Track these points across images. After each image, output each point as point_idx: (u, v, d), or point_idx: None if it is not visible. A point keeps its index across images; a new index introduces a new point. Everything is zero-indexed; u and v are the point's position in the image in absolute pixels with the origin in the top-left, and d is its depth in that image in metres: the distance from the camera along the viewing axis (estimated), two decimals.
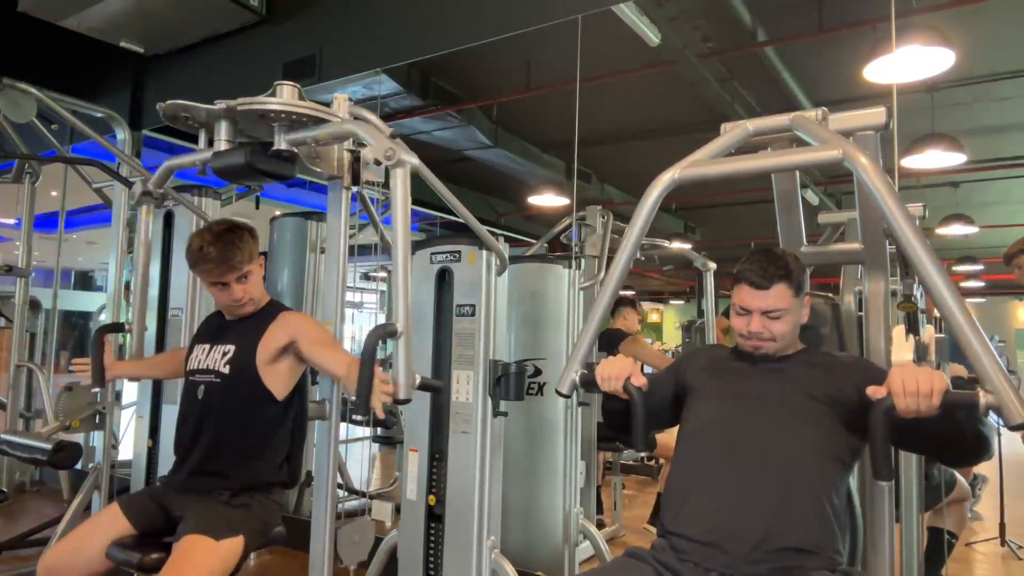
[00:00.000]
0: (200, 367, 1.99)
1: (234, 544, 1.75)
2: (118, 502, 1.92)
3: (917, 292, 1.77)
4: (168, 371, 2.29)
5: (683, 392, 1.68)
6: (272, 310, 2.03)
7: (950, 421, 1.27)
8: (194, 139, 1.80)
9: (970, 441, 1.31)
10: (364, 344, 1.55)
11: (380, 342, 1.56)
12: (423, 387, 1.68)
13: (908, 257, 1.29)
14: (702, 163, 1.50)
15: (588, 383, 1.58)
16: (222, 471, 1.88)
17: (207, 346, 2.02)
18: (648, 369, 2.88)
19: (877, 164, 1.33)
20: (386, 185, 2.19)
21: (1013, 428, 1.16)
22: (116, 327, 2.35)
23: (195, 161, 1.82)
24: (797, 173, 1.78)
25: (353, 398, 1.53)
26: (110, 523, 1.86)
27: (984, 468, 3.92)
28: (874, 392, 1.27)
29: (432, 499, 2.22)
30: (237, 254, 1.90)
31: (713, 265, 4.24)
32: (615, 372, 1.54)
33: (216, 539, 1.71)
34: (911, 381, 1.22)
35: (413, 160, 1.65)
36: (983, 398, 1.19)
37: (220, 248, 1.88)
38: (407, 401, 1.61)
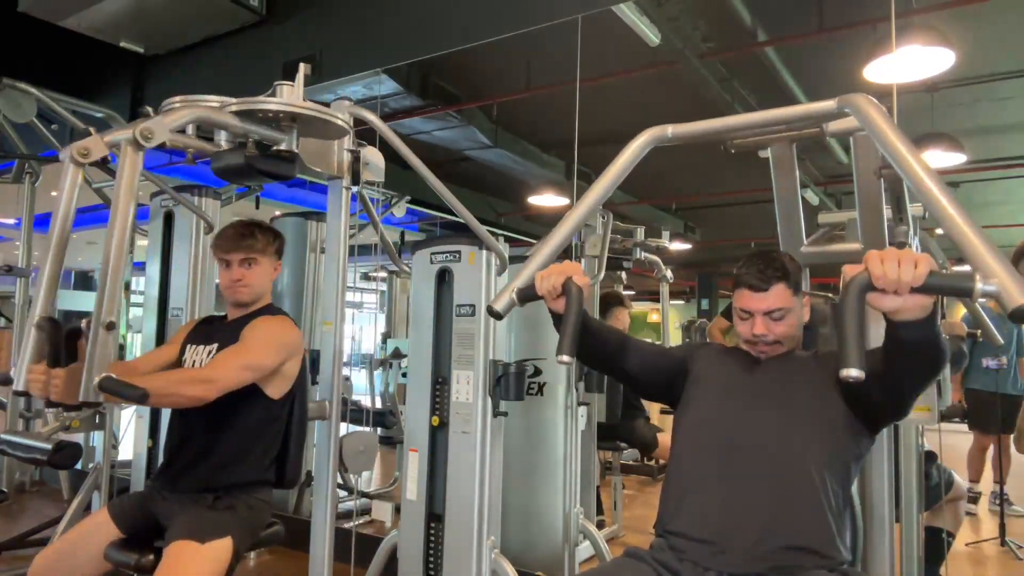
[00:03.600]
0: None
1: (222, 545, 1.74)
2: (108, 508, 1.93)
3: (914, 241, 1.75)
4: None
5: (685, 375, 1.66)
6: (261, 312, 2.03)
7: (927, 326, 1.14)
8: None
9: (941, 348, 1.21)
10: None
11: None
12: (107, 389, 1.48)
13: (916, 186, 1.18)
14: (694, 122, 1.49)
15: (527, 296, 1.45)
16: (209, 470, 1.89)
17: (199, 347, 2.02)
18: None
19: (874, 103, 1.28)
20: (387, 186, 2.19)
21: (1012, 313, 1.02)
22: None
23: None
24: (797, 173, 1.78)
25: None
26: (99, 529, 1.87)
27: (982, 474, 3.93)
28: (850, 269, 1.11)
29: (436, 419, 2.19)
30: (251, 240, 1.98)
31: (671, 276, 4.22)
32: (555, 270, 1.41)
33: (202, 542, 1.71)
34: (890, 252, 1.07)
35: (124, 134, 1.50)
36: (980, 282, 1.03)
37: (239, 229, 1.98)
38: (82, 406, 1.55)
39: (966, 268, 1.09)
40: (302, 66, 1.67)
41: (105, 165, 1.80)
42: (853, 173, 1.66)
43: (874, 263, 1.07)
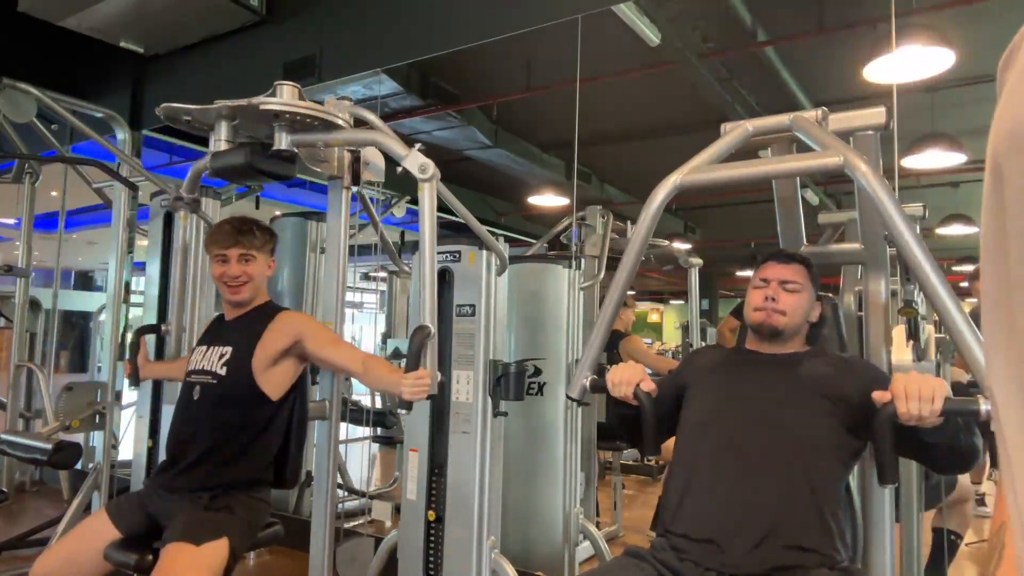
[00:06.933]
0: (197, 368, 2.00)
1: (217, 547, 1.74)
2: (106, 509, 1.93)
3: (918, 298, 1.78)
4: None
5: (683, 392, 1.68)
6: (269, 310, 2.03)
7: (947, 431, 1.29)
8: (194, 139, 1.81)
9: (963, 450, 1.34)
10: (411, 343, 1.70)
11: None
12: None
13: (908, 262, 1.30)
14: (704, 168, 1.52)
15: (598, 388, 1.62)
16: (210, 469, 1.89)
17: (205, 348, 2.03)
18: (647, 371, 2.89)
19: (877, 171, 1.34)
20: (387, 186, 2.20)
21: None
22: (152, 328, 2.46)
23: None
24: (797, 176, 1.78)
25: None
26: (100, 531, 1.87)
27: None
28: (879, 397, 1.30)
29: (432, 515, 2.22)
30: (249, 236, 1.98)
31: (698, 261, 4.23)
32: (625, 378, 1.56)
33: (197, 544, 1.70)
34: (913, 387, 1.25)
35: (438, 172, 1.75)
36: (983, 405, 1.20)
37: (236, 225, 1.99)
38: (433, 396, 1.75)
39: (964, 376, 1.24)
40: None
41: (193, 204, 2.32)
42: None
43: (900, 402, 1.27)
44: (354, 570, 2.21)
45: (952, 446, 1.34)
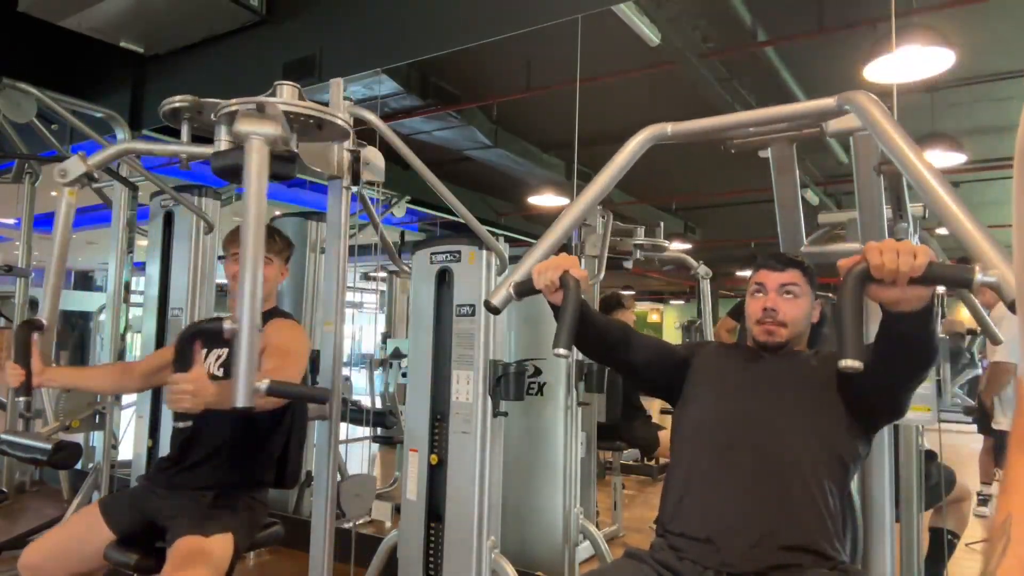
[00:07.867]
0: None
1: (225, 541, 1.76)
2: (99, 506, 1.93)
3: (915, 239, 1.76)
4: (110, 384, 2.30)
5: (685, 372, 1.67)
6: (272, 315, 2.03)
7: (924, 320, 1.15)
8: (195, 139, 1.80)
9: (931, 343, 1.22)
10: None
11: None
12: (276, 393, 1.50)
13: (912, 178, 1.18)
14: (695, 120, 1.50)
15: (524, 291, 1.43)
16: (215, 469, 1.90)
17: (204, 352, 2.02)
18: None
19: (875, 99, 1.30)
20: (387, 186, 2.19)
21: (1012, 304, 0.98)
22: (35, 324, 1.92)
23: (165, 151, 1.79)
24: (797, 173, 1.78)
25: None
26: (91, 526, 1.87)
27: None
28: (846, 263, 1.10)
29: (434, 458, 2.20)
30: (267, 239, 1.96)
31: (710, 272, 4.23)
32: (553, 263, 1.39)
33: (206, 536, 1.73)
34: (889, 243, 1.07)
35: (266, 130, 1.49)
36: (979, 274, 1.02)
37: None
38: (248, 410, 1.42)
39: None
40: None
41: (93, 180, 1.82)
42: (853, 173, 1.66)
43: (873, 254, 1.06)
44: (358, 506, 2.20)
45: (929, 338, 1.19)
